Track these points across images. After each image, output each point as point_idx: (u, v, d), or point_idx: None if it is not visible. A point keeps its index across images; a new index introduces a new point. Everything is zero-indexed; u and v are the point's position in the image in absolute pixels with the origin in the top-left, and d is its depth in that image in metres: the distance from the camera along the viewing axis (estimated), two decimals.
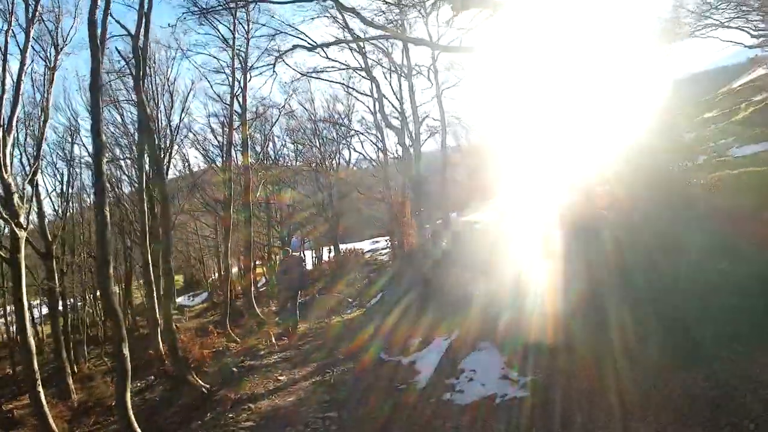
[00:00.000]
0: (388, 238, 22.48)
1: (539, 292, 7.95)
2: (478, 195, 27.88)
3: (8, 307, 28.34)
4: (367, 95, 14.20)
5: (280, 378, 7.88)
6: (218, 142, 22.75)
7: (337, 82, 13.55)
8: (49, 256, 11.12)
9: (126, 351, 6.01)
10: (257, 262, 31.72)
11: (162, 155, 16.75)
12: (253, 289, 14.00)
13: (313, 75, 13.09)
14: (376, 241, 36.27)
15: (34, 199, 11.59)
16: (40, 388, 8.28)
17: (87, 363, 17.21)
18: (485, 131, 21.44)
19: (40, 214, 11.76)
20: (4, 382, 16.31)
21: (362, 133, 18.24)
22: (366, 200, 33.99)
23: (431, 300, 10.09)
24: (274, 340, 9.82)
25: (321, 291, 15.77)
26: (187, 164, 23.95)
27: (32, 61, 11.26)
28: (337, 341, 9.93)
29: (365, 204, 34.17)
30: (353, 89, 13.64)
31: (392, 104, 14.22)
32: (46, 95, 11.75)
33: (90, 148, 18.60)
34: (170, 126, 17.28)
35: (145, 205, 9.14)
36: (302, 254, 27.86)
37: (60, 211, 18.22)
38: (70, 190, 18.90)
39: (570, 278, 7.88)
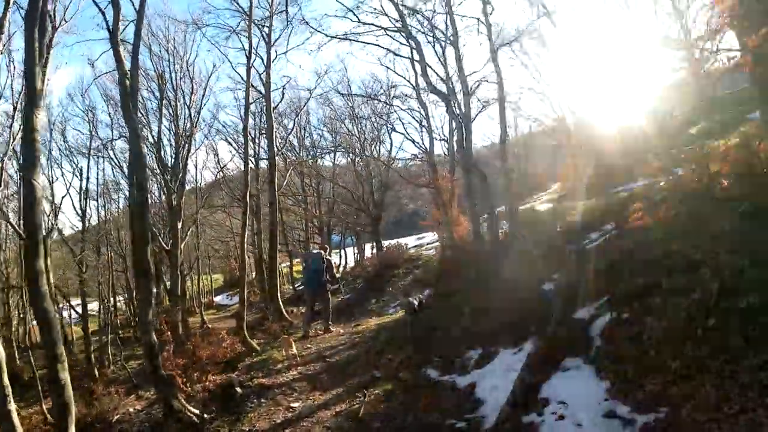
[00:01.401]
0: (435, 232, 20.45)
1: (656, 283, 5.66)
2: (541, 183, 25.56)
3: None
4: (406, 57, 12.08)
5: (293, 405, 5.93)
6: (249, 134, 21.50)
7: (371, 44, 11.33)
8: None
9: (64, 376, 4.24)
10: (298, 260, 30.64)
11: (182, 143, 15.51)
12: (281, 288, 12.41)
13: (342, 37, 11.09)
14: (421, 237, 34.47)
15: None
16: (12, 406, 6.75)
17: (112, 366, 16.20)
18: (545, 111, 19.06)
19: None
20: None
21: (404, 110, 16.14)
22: (409, 194, 32.17)
23: (491, 299, 7.93)
24: (295, 351, 7.94)
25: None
26: (216, 157, 22.77)
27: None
28: (375, 351, 7.97)
29: (409, 197, 32.36)
30: (391, 52, 11.50)
31: (437, 73, 12.08)
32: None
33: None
34: (190, 114, 15.87)
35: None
36: (342, 250, 26.41)
37: (79, 208, 17.19)
38: (89, 185, 17.85)
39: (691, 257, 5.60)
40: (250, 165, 21.48)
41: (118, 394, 10.20)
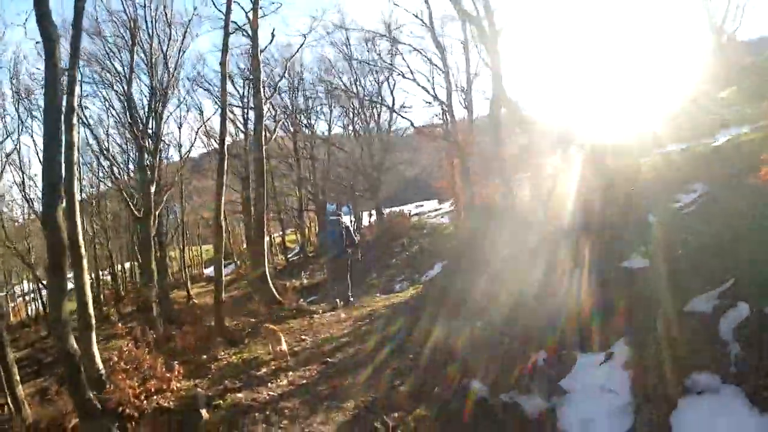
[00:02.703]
0: (447, 195, 18.50)
1: None
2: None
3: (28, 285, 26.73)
4: None
5: None
6: (238, 91, 19.36)
7: None
8: None
9: None
10: (290, 229, 28.71)
11: (158, 97, 13.45)
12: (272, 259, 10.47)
13: None
14: (420, 205, 32.61)
15: None
16: None
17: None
18: None
19: None
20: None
21: (417, 49, 13.94)
22: (409, 158, 30.04)
23: (541, 279, 5.90)
24: (285, 347, 6.04)
25: None
26: (201, 115, 20.64)
27: None
28: (391, 347, 6.09)
29: (408, 162, 30.24)
30: None
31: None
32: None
33: None
34: (167, 63, 13.79)
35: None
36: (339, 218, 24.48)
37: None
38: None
39: None
40: (238, 123, 19.51)
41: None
